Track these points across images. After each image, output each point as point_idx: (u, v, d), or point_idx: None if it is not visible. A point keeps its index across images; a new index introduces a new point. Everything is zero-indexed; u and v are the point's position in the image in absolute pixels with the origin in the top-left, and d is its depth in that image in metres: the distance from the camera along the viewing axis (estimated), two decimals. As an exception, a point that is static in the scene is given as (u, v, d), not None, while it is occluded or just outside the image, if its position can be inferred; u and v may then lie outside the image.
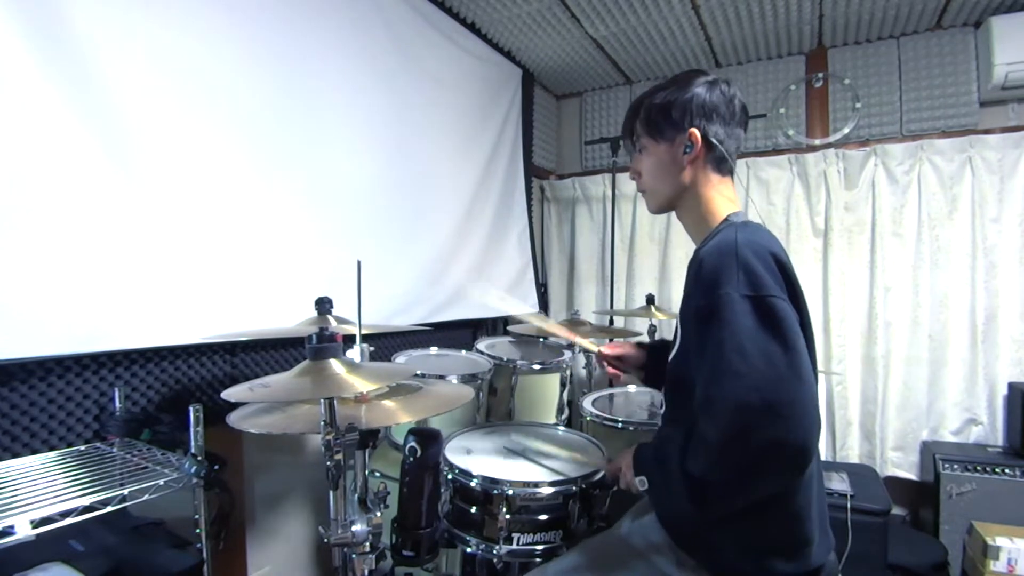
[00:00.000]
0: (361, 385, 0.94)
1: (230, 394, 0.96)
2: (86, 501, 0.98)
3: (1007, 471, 2.22)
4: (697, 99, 1.01)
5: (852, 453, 2.74)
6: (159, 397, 1.48)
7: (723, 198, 1.04)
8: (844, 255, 2.78)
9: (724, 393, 0.79)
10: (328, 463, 0.95)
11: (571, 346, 2.37)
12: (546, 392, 2.05)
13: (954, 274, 2.58)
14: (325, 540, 0.98)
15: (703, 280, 0.89)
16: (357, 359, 1.16)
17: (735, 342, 0.80)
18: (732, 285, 0.83)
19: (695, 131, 1.01)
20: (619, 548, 1.08)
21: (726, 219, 1.01)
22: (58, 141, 1.21)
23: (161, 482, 1.09)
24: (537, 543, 1.25)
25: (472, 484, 1.28)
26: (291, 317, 1.55)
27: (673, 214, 1.12)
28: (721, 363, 0.80)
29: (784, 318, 0.82)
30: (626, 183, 3.25)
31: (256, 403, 1.23)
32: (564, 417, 2.08)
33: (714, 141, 1.01)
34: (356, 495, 1.02)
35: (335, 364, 0.97)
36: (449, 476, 1.32)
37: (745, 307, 0.82)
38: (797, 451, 0.77)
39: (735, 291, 0.83)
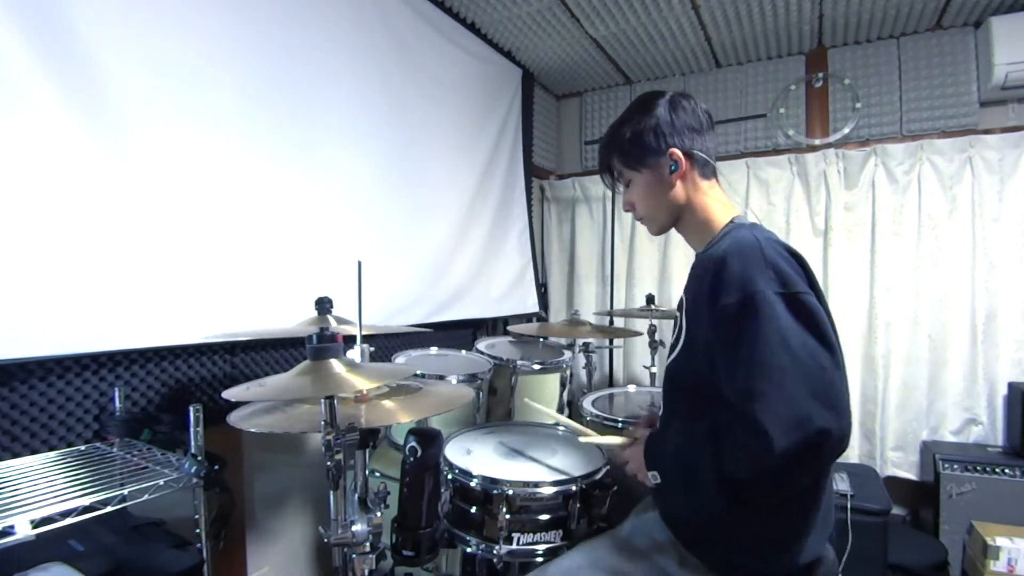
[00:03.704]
0: (361, 384, 0.94)
1: (230, 394, 0.96)
2: (86, 501, 0.98)
3: (1007, 471, 2.22)
4: (664, 120, 1.06)
5: (852, 453, 2.73)
6: (159, 397, 1.48)
7: (718, 202, 1.08)
8: (844, 255, 2.77)
9: (773, 387, 0.79)
10: (328, 463, 0.95)
11: (571, 346, 2.37)
12: (546, 392, 2.05)
13: (954, 274, 2.58)
14: (325, 540, 0.98)
15: (730, 279, 0.88)
16: (357, 359, 1.16)
17: (777, 337, 0.82)
18: (764, 283, 0.85)
19: (675, 150, 1.05)
20: (621, 548, 1.08)
21: (731, 221, 1.04)
22: (59, 141, 1.21)
23: (161, 482, 1.09)
24: (537, 543, 1.25)
25: (472, 484, 1.28)
26: (291, 317, 1.55)
27: None
28: (765, 357, 0.81)
29: (817, 313, 0.85)
30: (626, 183, 3.25)
31: (257, 403, 1.23)
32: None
33: (695, 152, 1.06)
34: (356, 495, 1.02)
35: (335, 364, 0.97)
36: (449, 476, 1.32)
37: (780, 304, 0.84)
38: (840, 440, 0.79)
39: (768, 289, 0.85)
